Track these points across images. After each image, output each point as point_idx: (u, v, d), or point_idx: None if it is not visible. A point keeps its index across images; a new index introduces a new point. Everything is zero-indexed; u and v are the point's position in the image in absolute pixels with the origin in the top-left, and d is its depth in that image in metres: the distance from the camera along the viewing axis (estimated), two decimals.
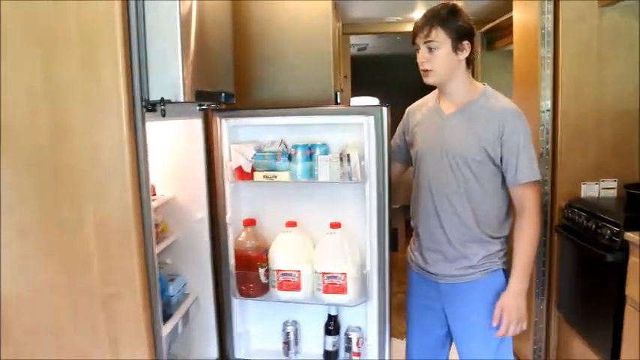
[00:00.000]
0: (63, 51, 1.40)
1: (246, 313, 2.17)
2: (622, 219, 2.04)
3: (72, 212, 1.45)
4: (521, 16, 2.85)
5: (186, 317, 2.04)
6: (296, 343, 2.10)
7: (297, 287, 1.98)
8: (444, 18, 1.75)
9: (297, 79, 2.33)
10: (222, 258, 2.07)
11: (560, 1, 2.45)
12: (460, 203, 1.81)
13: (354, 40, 5.26)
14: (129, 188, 1.44)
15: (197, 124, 2.00)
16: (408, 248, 2.04)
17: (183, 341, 2.09)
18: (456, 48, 1.76)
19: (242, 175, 2.01)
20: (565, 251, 2.49)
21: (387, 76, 6.60)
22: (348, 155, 1.93)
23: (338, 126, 2.01)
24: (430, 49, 1.76)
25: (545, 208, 2.58)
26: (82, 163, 1.43)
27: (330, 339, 2.06)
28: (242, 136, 2.09)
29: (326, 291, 1.95)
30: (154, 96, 1.46)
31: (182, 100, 1.48)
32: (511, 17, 3.04)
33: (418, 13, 3.93)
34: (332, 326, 2.06)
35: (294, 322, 2.12)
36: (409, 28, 1.95)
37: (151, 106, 1.47)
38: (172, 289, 1.95)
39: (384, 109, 1.91)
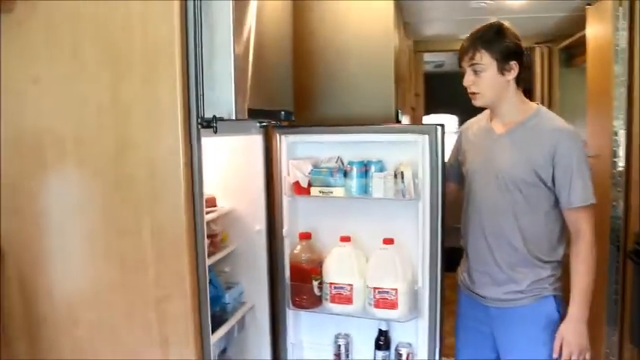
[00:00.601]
0: (128, 71, 1.53)
1: (299, 323, 2.22)
2: None
3: (131, 219, 1.57)
4: (595, 32, 2.76)
5: (241, 323, 2.13)
6: (347, 356, 2.13)
7: (349, 301, 2.02)
8: (489, 40, 1.73)
9: (358, 96, 2.39)
10: (278, 269, 2.14)
11: (636, 17, 2.35)
12: (508, 225, 1.78)
13: (429, 57, 5.25)
14: (182, 199, 1.54)
15: (258, 140, 2.09)
16: (458, 269, 2.02)
17: (239, 346, 2.18)
18: (503, 69, 1.74)
19: (299, 189, 2.08)
20: (637, 280, 2.35)
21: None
22: (402, 173, 1.95)
23: (394, 144, 2.04)
24: (476, 72, 1.76)
25: (617, 233, 2.46)
26: (140, 174, 1.55)
27: (380, 354, 2.07)
28: (300, 152, 2.16)
29: (377, 305, 1.97)
30: (209, 114, 1.55)
31: (234, 117, 1.57)
32: None
33: None
34: (382, 341, 2.07)
35: (346, 335, 2.15)
36: None
37: (206, 123, 1.56)
38: (228, 297, 2.04)
39: (439, 128, 1.91)
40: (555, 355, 1.72)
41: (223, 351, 2.13)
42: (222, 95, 1.57)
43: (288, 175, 2.09)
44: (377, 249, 2.01)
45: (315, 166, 2.08)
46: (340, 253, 2.05)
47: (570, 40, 3.70)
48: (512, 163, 1.78)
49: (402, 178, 1.95)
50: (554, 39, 4.11)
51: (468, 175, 1.92)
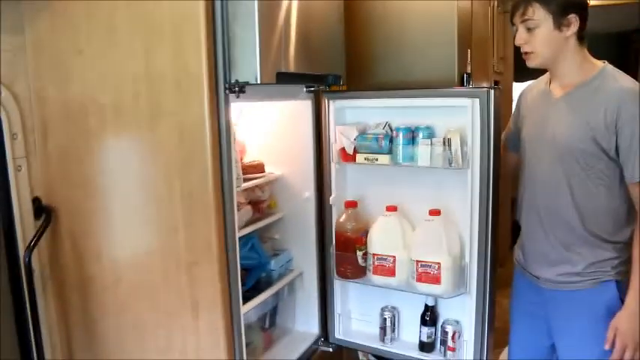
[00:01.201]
0: (159, 42, 1.56)
1: (347, 293, 2.18)
2: None
3: (164, 185, 1.61)
4: None
5: (290, 290, 2.14)
6: (392, 330, 2.06)
7: (391, 273, 1.94)
8: None
9: (418, 60, 2.24)
10: (326, 238, 2.11)
11: None
12: (564, 200, 1.59)
13: None
14: (209, 164, 1.54)
15: (307, 105, 2.05)
16: (515, 246, 1.86)
17: (288, 313, 2.19)
18: (560, 24, 1.53)
19: (345, 156, 2.02)
20: None
21: None
22: (449, 140, 1.82)
23: (445, 109, 1.89)
24: (529, 29, 1.56)
25: None
26: (171, 141, 1.58)
27: (426, 330, 1.98)
28: (350, 117, 2.09)
29: (419, 279, 1.88)
30: (237, 79, 1.55)
31: (259, 82, 1.55)
32: None
33: None
34: (428, 317, 1.97)
35: (393, 309, 2.08)
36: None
37: (237, 88, 1.56)
38: (274, 264, 2.05)
39: (492, 91, 1.75)
40: (607, 347, 1.54)
41: (274, 310, 2.16)
42: (246, 60, 1.55)
43: (335, 141, 2.04)
44: (423, 220, 1.91)
45: (361, 132, 2.00)
46: (385, 223, 1.97)
47: None
48: (568, 130, 1.58)
49: (450, 145, 1.82)
50: None
51: (524, 143, 1.75)
